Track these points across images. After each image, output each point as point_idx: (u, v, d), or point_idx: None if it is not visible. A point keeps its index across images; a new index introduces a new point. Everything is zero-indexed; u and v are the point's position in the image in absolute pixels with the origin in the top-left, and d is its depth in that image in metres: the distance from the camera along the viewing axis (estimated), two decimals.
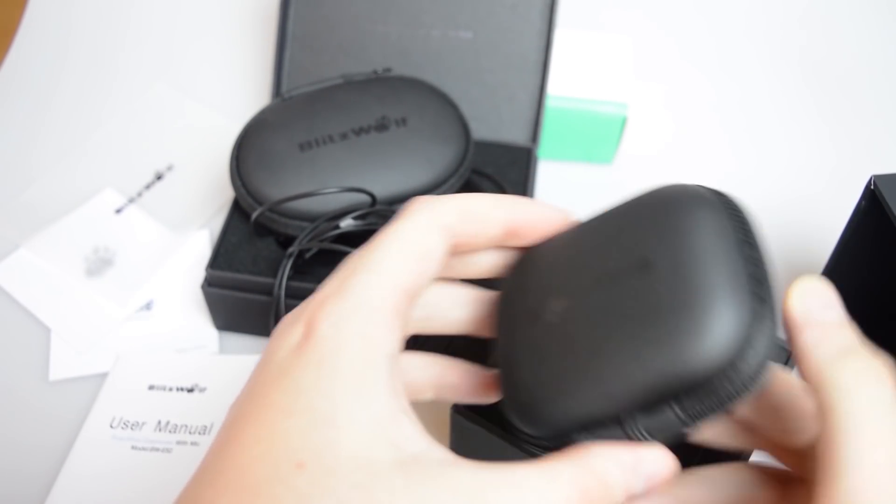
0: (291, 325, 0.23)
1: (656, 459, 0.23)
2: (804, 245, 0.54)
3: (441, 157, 0.47)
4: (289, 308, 0.44)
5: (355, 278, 0.23)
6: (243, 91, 0.63)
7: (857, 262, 0.41)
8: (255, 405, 0.22)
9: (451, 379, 0.28)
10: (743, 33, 0.69)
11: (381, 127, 0.46)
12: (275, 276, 0.44)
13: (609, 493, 0.22)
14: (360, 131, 0.46)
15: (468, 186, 0.50)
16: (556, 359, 0.24)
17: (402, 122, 0.47)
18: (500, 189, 0.51)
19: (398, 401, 0.22)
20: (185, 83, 0.63)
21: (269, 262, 0.45)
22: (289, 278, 0.43)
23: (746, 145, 0.61)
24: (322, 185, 0.44)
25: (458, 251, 0.25)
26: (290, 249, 0.44)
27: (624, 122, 0.55)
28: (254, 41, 0.66)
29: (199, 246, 0.52)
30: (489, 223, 0.25)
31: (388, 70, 0.50)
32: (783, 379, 0.25)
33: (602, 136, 0.56)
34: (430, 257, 0.24)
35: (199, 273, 0.51)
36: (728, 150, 0.60)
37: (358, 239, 0.46)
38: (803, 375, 0.22)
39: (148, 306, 0.50)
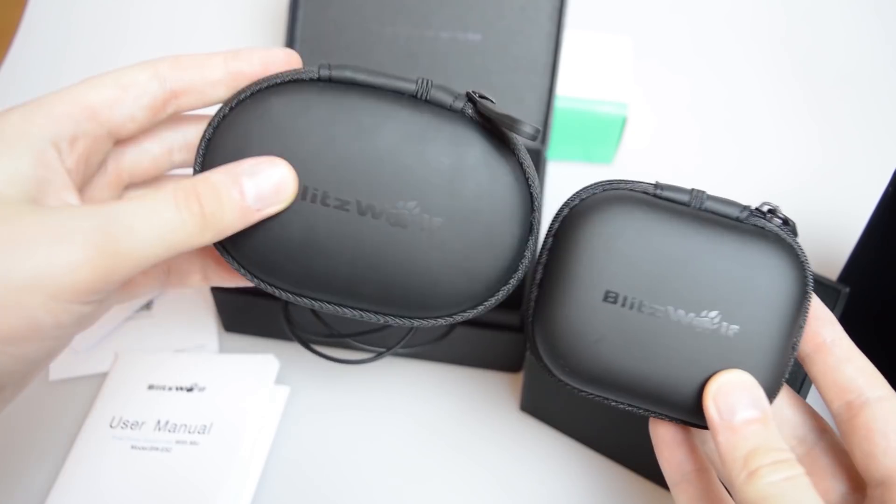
0: None
1: (269, 168, 0.28)
2: (821, 236, 0.54)
3: None
4: (292, 308, 0.44)
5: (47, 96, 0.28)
6: None
7: (885, 248, 0.41)
8: None
9: (210, 262, 0.34)
10: (741, 31, 0.69)
11: None
12: None
13: (216, 191, 0.27)
14: None
15: None
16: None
17: None
18: None
19: (44, 170, 0.27)
20: None
21: None
22: None
23: (749, 142, 0.61)
24: None
25: (189, 92, 0.30)
26: None
27: (624, 122, 0.55)
28: (256, 41, 0.66)
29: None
30: (208, 68, 0.30)
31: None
32: None
33: (602, 136, 0.56)
34: (132, 86, 0.30)
35: None
36: (730, 148, 0.60)
37: None
38: (720, 463, 0.27)
39: (148, 306, 0.50)
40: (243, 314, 0.47)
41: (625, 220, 0.28)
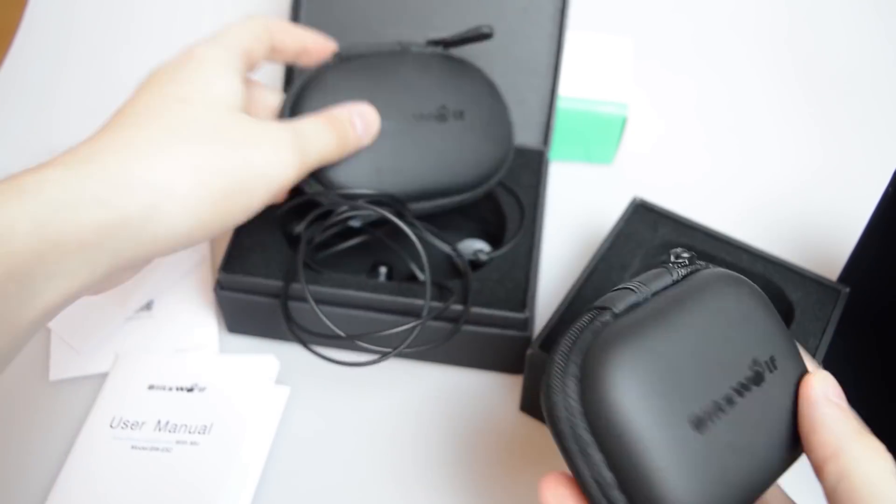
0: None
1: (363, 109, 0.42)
2: (821, 236, 0.54)
3: (490, 155, 0.46)
4: (295, 309, 0.44)
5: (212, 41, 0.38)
6: None
7: (886, 248, 0.41)
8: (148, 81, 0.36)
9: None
10: (743, 32, 0.69)
11: (440, 117, 0.45)
12: (287, 280, 0.44)
13: (346, 122, 0.40)
14: (420, 117, 0.45)
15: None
16: None
17: (460, 115, 0.46)
18: (512, 195, 0.50)
19: (240, 89, 0.37)
20: None
21: (282, 265, 0.45)
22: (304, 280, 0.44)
23: (750, 143, 0.61)
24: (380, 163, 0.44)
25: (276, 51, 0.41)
26: (297, 229, 0.47)
27: (624, 122, 0.55)
28: None
29: (199, 246, 0.52)
30: (289, 35, 0.42)
31: (488, 34, 0.48)
32: None
33: (602, 137, 0.56)
34: (261, 37, 0.40)
35: (199, 273, 0.51)
36: (729, 149, 0.60)
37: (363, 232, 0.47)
38: (819, 441, 0.27)
39: (148, 306, 0.50)
40: (246, 315, 0.47)
41: (630, 354, 0.25)
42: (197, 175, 0.32)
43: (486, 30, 0.47)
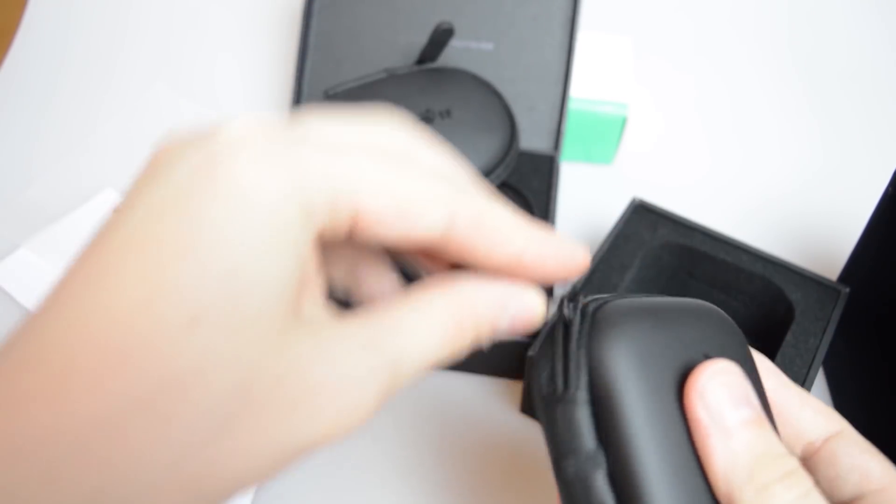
0: (186, 146, 0.18)
1: (528, 299, 0.24)
2: (821, 236, 0.54)
3: (487, 146, 0.47)
4: None
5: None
6: (247, 92, 0.63)
7: (886, 248, 0.41)
8: (137, 234, 0.16)
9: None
10: (745, 32, 0.69)
11: (426, 120, 0.46)
12: None
13: (478, 324, 0.23)
14: None
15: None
16: None
17: (447, 113, 0.47)
18: (523, 200, 0.50)
19: (305, 267, 0.20)
20: (185, 84, 0.63)
21: None
22: None
23: (750, 143, 0.61)
24: None
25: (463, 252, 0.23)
26: None
27: (624, 122, 0.55)
28: (268, 49, 0.66)
29: None
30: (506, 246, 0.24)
31: (449, 30, 0.48)
32: None
33: (602, 137, 0.56)
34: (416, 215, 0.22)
35: None
36: (729, 148, 0.60)
37: None
38: (710, 479, 0.22)
39: None
40: None
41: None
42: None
43: (445, 26, 0.47)
